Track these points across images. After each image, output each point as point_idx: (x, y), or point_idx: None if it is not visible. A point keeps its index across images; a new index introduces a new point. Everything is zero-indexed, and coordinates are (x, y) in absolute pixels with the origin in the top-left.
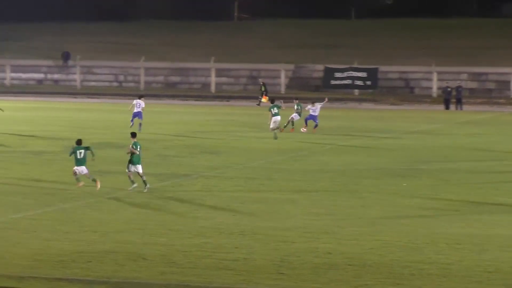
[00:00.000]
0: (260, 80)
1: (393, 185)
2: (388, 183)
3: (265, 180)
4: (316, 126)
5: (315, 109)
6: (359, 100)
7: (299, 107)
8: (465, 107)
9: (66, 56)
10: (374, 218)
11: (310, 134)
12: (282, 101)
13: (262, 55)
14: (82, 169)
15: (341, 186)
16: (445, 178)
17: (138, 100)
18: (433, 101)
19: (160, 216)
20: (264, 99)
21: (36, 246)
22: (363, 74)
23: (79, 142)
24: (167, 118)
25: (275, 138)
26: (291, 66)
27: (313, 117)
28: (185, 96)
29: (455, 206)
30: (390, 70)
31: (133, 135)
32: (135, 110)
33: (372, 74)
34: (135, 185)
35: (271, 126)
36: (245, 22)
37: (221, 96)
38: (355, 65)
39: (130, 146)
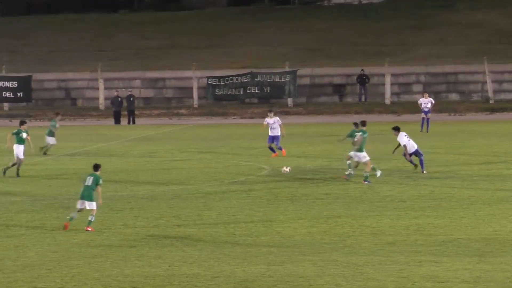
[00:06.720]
0: None
1: (55, 219)
2: (48, 216)
3: None
4: None
5: None
6: (10, 116)
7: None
8: (140, 120)
9: None
10: (32, 261)
11: None
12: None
13: None
14: None
15: None
16: (120, 207)
17: None
18: (101, 114)
19: None
20: None
21: None
22: (13, 84)
23: None
24: None
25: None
26: None
27: None
28: None
29: (129, 242)
30: (46, 78)
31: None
32: None
33: (25, 83)
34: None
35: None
36: None
37: None
38: (3, 73)
39: None
